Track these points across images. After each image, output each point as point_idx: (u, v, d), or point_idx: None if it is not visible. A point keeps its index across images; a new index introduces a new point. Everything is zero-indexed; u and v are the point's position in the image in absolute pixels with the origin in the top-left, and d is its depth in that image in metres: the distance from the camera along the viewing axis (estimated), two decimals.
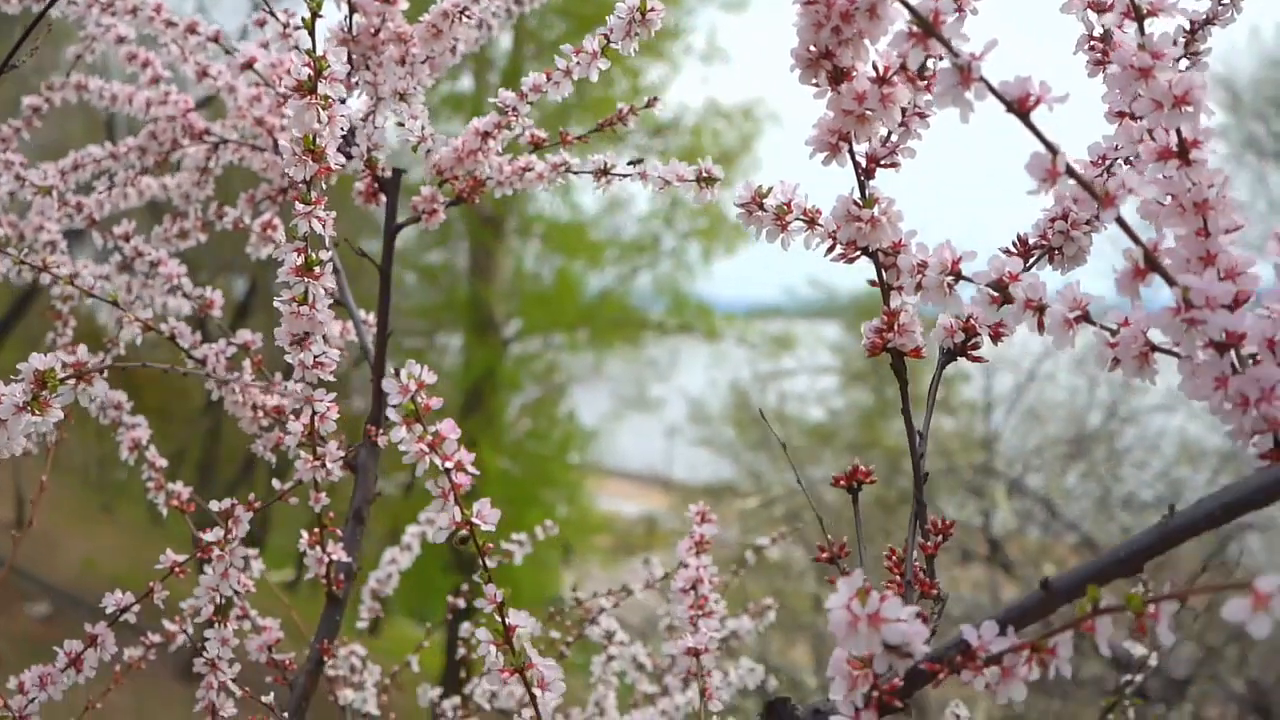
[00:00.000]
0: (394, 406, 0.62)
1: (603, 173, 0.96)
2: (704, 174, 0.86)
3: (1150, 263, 0.52)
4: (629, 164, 0.95)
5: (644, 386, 12.42)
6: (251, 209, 1.22)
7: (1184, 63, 0.73)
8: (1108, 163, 0.70)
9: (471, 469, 0.64)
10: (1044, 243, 0.70)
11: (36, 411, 0.68)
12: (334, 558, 0.98)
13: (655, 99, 1.02)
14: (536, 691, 0.66)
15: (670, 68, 11.23)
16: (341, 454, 0.92)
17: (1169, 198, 0.55)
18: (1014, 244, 0.70)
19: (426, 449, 0.63)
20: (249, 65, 1.05)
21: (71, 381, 0.67)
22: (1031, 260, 0.70)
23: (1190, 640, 6.25)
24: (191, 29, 1.10)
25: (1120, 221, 0.52)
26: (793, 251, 0.73)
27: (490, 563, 0.66)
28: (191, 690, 0.99)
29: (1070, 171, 0.51)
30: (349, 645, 1.33)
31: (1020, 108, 0.51)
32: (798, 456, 7.98)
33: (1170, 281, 0.52)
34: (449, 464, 0.63)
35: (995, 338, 0.69)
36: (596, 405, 12.10)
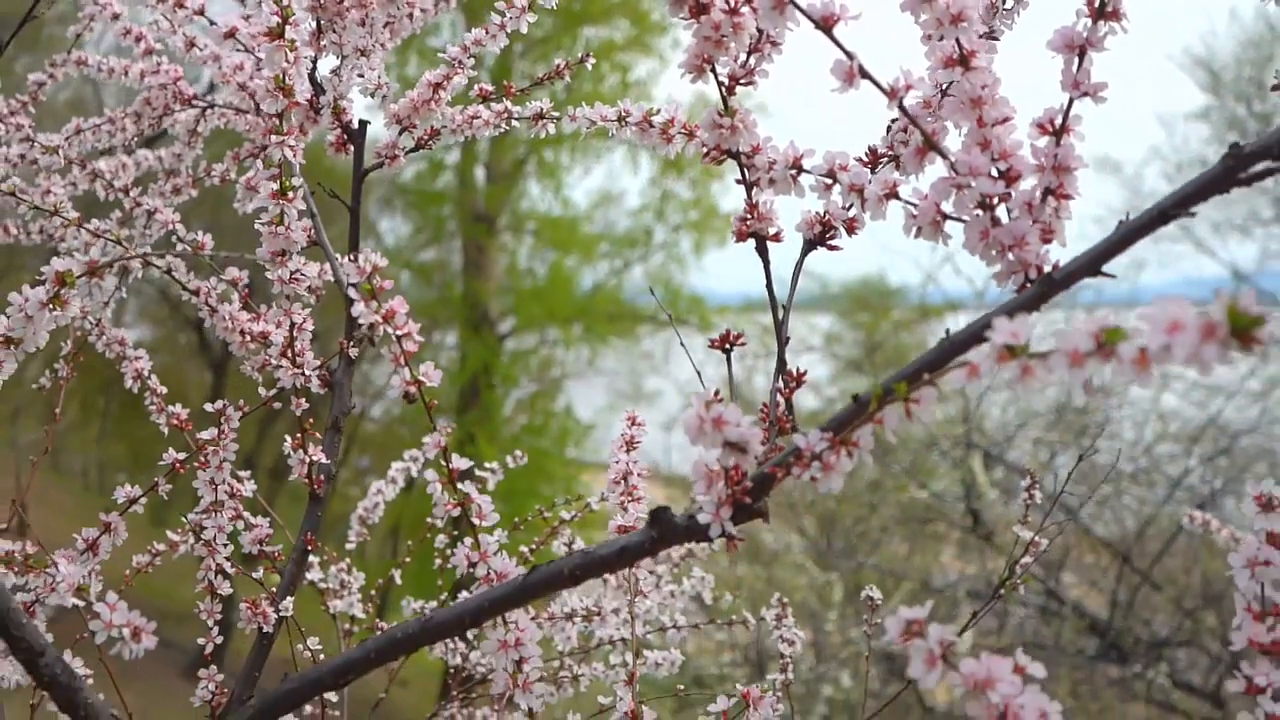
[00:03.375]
0: (352, 285, 0.76)
1: (539, 117, 1.11)
2: (623, 114, 1.01)
3: (929, 143, 0.67)
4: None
5: (639, 379, 12.57)
6: (237, 166, 1.36)
7: (1009, 1, 0.88)
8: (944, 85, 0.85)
9: (418, 337, 0.78)
10: (890, 151, 0.84)
11: (57, 307, 0.83)
12: (314, 459, 1.13)
13: (587, 55, 1.16)
14: (475, 521, 0.80)
15: (659, 62, 11.40)
16: (318, 363, 1.07)
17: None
18: (865, 152, 0.85)
19: (381, 320, 0.77)
20: (231, 34, 1.19)
21: (86, 278, 0.82)
22: (881, 165, 0.85)
23: (1168, 603, 6.40)
24: (179, 3, 1.25)
25: (903, 110, 0.66)
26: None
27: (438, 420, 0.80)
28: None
29: (863, 73, 0.66)
30: (338, 562, 1.47)
31: (826, 24, 0.66)
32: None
33: (944, 156, 0.66)
34: (400, 333, 0.78)
35: (850, 230, 0.83)
36: (592, 399, 12.23)
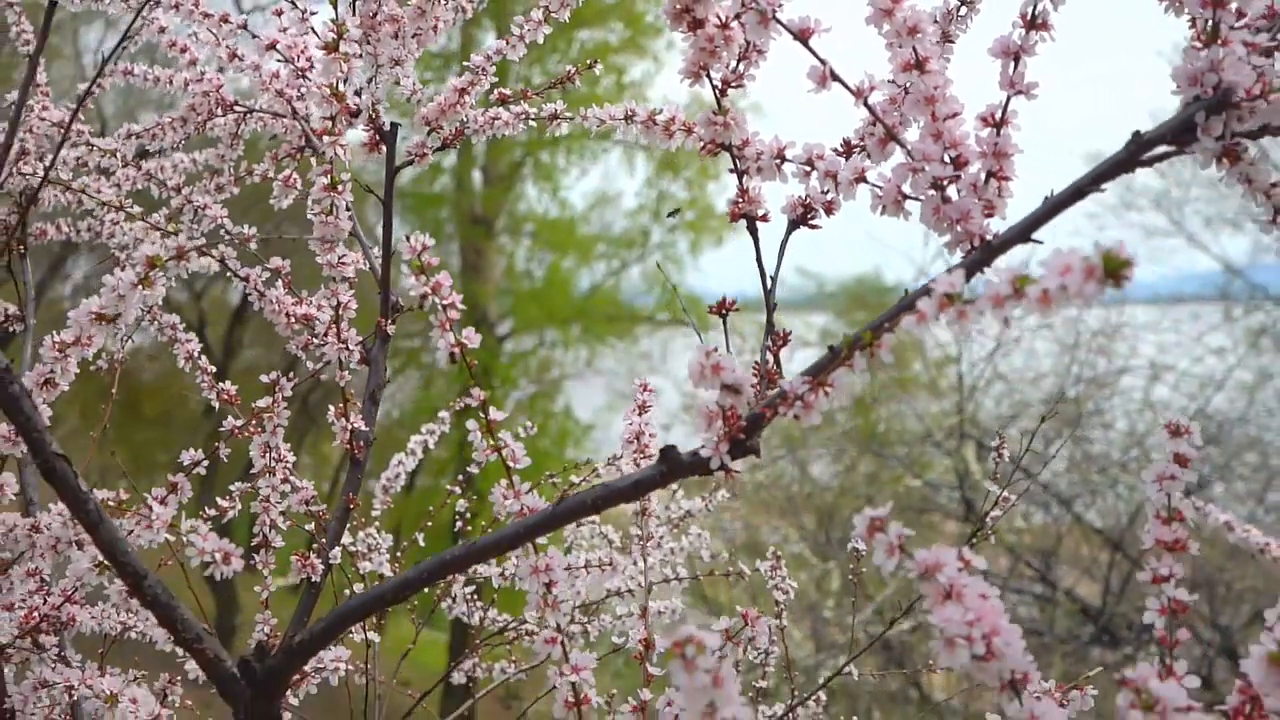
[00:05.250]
0: (405, 261, 0.89)
1: (553, 117, 1.24)
2: (629, 113, 1.14)
3: (890, 135, 0.80)
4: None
5: (637, 379, 12.69)
6: (275, 165, 1.49)
7: (963, 9, 1.01)
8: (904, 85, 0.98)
9: (460, 305, 0.91)
10: (861, 143, 0.97)
11: (147, 287, 0.96)
12: (355, 427, 1.26)
13: (595, 61, 1.30)
14: (510, 464, 0.93)
15: (654, 64, 11.55)
16: (360, 339, 1.20)
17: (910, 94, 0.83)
18: (840, 143, 0.98)
19: (429, 291, 0.90)
20: (272, 46, 1.32)
21: (174, 261, 0.95)
22: (854, 156, 0.98)
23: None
24: (224, 19, 1.38)
25: (868, 107, 0.80)
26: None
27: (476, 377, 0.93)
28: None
29: (834, 76, 0.79)
30: (365, 528, 1.61)
31: (803, 36, 0.79)
32: (790, 440, 8.28)
33: (903, 146, 0.80)
34: (446, 302, 0.91)
35: (828, 211, 0.96)
36: (591, 399, 12.36)
